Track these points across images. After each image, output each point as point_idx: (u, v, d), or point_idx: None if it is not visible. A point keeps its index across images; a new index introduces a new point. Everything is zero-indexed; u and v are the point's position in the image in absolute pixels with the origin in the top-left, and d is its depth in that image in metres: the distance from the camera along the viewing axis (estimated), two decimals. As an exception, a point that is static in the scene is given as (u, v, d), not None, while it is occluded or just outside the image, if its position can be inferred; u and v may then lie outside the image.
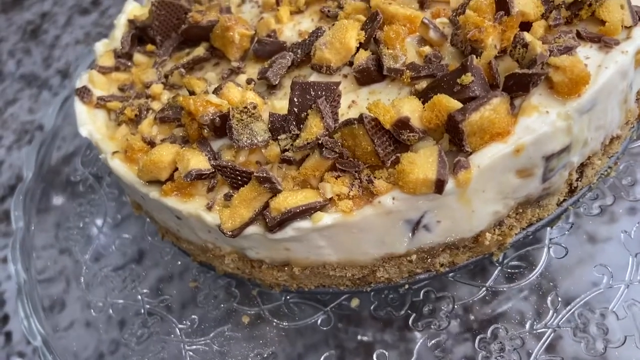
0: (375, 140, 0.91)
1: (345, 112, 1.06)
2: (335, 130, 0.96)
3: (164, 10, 1.34)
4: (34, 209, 1.60)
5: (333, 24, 1.15)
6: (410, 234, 0.95)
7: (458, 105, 0.90)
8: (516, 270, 1.10)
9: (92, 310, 1.30)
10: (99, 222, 1.54)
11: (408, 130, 0.91)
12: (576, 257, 1.10)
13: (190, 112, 1.06)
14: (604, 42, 0.95)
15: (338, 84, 1.00)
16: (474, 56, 0.94)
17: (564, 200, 1.05)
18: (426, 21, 1.07)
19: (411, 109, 0.93)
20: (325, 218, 0.93)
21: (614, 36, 0.96)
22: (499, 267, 1.10)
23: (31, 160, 1.62)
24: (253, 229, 0.98)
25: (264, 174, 0.93)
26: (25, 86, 2.79)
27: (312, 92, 1.00)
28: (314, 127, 0.95)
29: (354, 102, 1.07)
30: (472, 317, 1.08)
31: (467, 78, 0.92)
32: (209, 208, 1.02)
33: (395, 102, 0.94)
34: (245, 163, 1.05)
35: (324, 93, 0.99)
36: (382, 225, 0.93)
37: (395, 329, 1.12)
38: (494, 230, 0.99)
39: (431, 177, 0.86)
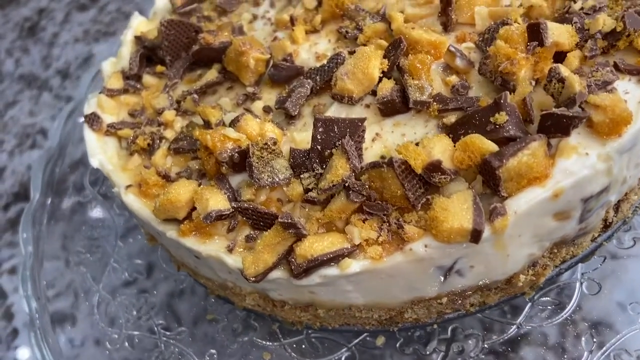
0: (406, 185, 0.87)
1: (370, 145, 1.02)
2: (362, 171, 0.91)
3: (173, 29, 1.28)
4: (43, 230, 1.56)
5: (353, 51, 1.10)
6: (441, 279, 0.92)
7: (493, 147, 0.86)
8: (548, 307, 1.07)
9: (107, 343, 1.26)
10: (109, 242, 1.51)
11: (439, 173, 0.87)
12: (610, 293, 1.06)
13: (208, 147, 1.02)
14: (645, 75, 0.90)
15: (363, 120, 0.96)
16: (508, 93, 0.89)
17: (598, 235, 1.01)
18: (453, 49, 1.02)
19: (442, 149, 0.89)
20: (354, 265, 0.89)
21: (655, 69, 0.91)
22: (530, 304, 1.07)
23: (37, 179, 1.57)
24: (277, 274, 0.94)
25: (289, 220, 0.89)
26: (25, 87, 2.73)
27: (336, 130, 0.95)
28: (340, 169, 0.91)
29: (378, 134, 1.03)
30: (502, 356, 1.05)
31: (501, 117, 0.87)
32: (230, 250, 0.98)
33: (425, 143, 0.89)
34: (267, 201, 1.00)
35: (348, 130, 0.95)
36: (412, 271, 0.90)
37: (422, 367, 1.09)
38: (528, 271, 0.96)
39: (467, 226, 0.82)
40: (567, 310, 1.05)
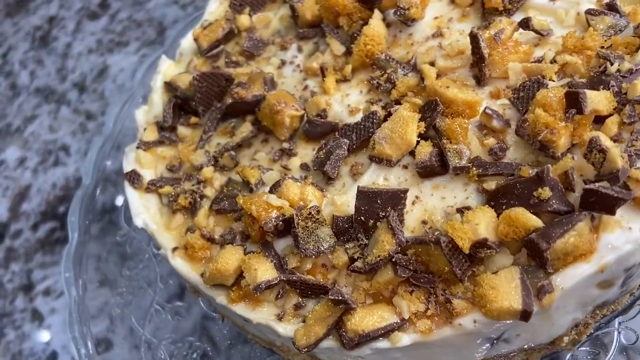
0: (453, 262, 0.90)
1: (410, 209, 1.04)
2: (407, 245, 0.94)
3: (205, 82, 1.30)
4: (82, 270, 1.59)
5: (387, 109, 1.11)
6: (488, 346, 0.95)
7: (537, 223, 0.88)
8: (587, 357, 1.10)
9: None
10: (150, 287, 1.55)
11: (486, 248, 0.89)
12: (649, 343, 1.10)
13: (252, 215, 1.04)
14: (684, 143, 0.92)
15: (406, 191, 0.98)
16: (550, 167, 0.91)
17: (637, 289, 1.04)
18: (489, 111, 1.04)
19: (486, 224, 0.91)
20: (404, 339, 0.92)
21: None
22: (569, 354, 1.10)
23: (74, 221, 1.60)
24: (328, 343, 0.98)
25: (340, 297, 0.92)
26: (42, 101, 2.75)
27: (378, 201, 0.98)
28: (386, 244, 0.93)
29: (418, 197, 1.05)
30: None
31: (544, 193, 0.89)
32: (280, 318, 1.01)
33: (469, 217, 0.92)
34: (312, 268, 1.04)
35: (391, 202, 0.97)
36: (461, 342, 0.93)
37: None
38: (571, 332, 0.99)
39: (517, 307, 0.85)
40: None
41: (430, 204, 1.03)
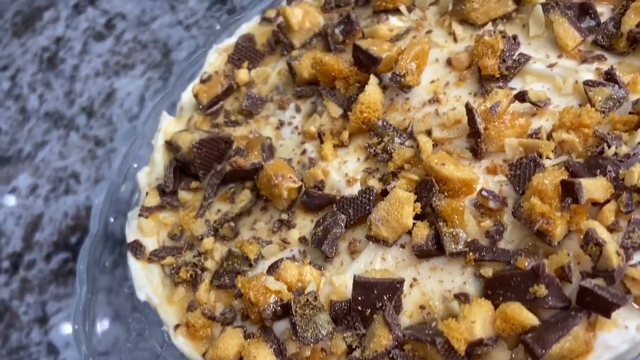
0: (449, 360, 0.90)
1: (408, 292, 1.04)
2: (404, 340, 0.94)
3: (204, 148, 1.31)
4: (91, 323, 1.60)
5: (385, 186, 1.11)
6: None
7: (533, 320, 0.89)
8: None
9: None
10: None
11: (482, 346, 0.90)
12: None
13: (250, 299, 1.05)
14: (681, 235, 0.91)
15: (402, 282, 0.98)
16: (545, 263, 0.90)
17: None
18: (485, 193, 1.03)
19: (482, 319, 0.91)
20: None
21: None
22: None
23: (82, 279, 1.61)
24: None
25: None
26: (52, 126, 2.77)
27: (375, 292, 0.98)
28: (382, 339, 0.94)
29: (416, 280, 1.05)
30: None
31: (540, 290, 0.89)
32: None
33: (466, 312, 0.92)
34: (312, 354, 1.04)
35: (387, 293, 0.97)
36: None
37: None
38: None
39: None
40: None
41: (428, 287, 1.04)
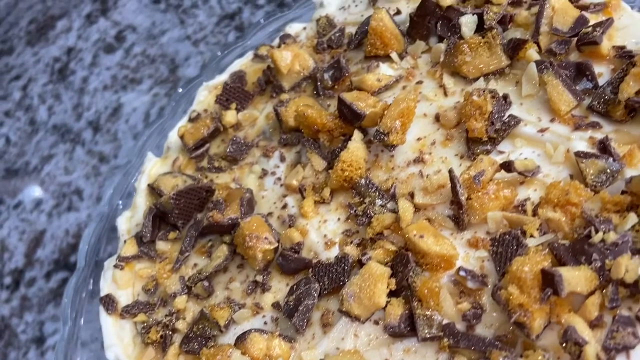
0: None
1: (379, 373, 0.99)
2: None
3: (183, 198, 1.27)
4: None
5: (359, 260, 1.05)
6: None
7: None
8: None
9: None
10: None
11: None
12: None
13: (215, 373, 1.01)
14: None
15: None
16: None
17: None
18: (463, 273, 0.97)
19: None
20: None
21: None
22: None
23: (66, 317, 1.58)
24: None
25: None
26: (59, 140, 2.76)
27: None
28: None
29: (388, 360, 0.99)
30: None
31: (509, 391, 0.83)
32: None
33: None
34: None
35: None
36: None
37: None
38: None
39: None
40: None
41: (401, 374, 0.98)
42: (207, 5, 2.78)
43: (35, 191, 2.62)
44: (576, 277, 0.87)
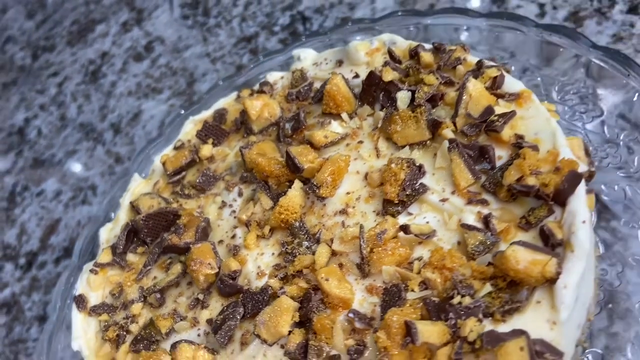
0: None
1: (279, 387, 1.21)
2: None
3: (151, 220, 1.50)
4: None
5: (275, 292, 1.27)
6: None
7: None
8: None
9: None
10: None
11: None
12: None
13: (148, 373, 1.25)
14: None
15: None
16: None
17: None
18: (352, 315, 1.18)
19: None
20: None
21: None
22: None
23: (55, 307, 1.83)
24: None
25: None
26: (83, 137, 3.03)
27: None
28: None
29: (286, 376, 1.21)
30: None
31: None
32: None
33: None
34: None
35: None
36: None
37: None
38: None
39: None
40: None
41: (296, 390, 1.20)
42: (229, 27, 2.99)
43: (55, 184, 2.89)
44: (431, 331, 1.07)
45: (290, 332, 1.22)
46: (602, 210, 1.43)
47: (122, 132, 2.98)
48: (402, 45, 1.58)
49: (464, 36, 1.83)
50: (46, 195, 2.89)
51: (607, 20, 1.97)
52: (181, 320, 1.38)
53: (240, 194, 1.55)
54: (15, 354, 2.41)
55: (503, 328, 1.07)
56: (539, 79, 1.65)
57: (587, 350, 1.27)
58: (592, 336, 1.29)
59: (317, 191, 1.35)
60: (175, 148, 1.75)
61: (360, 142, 1.48)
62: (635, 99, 1.48)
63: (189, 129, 1.79)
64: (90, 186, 2.86)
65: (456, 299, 1.11)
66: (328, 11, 2.80)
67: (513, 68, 1.72)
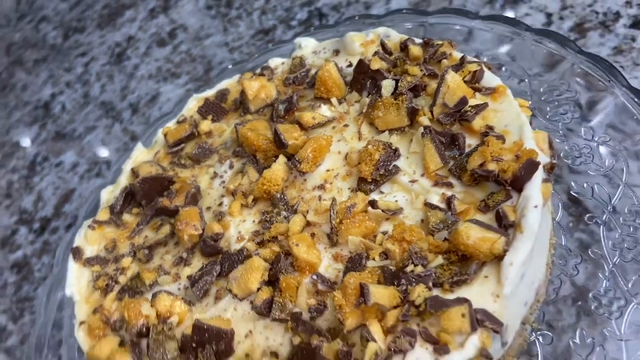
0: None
1: (242, 339, 1.31)
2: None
3: (146, 184, 1.62)
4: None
5: (250, 253, 1.38)
6: None
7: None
8: None
9: None
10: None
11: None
12: None
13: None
14: (436, 349, 1.13)
15: (228, 333, 1.25)
16: (323, 345, 1.15)
17: None
18: (315, 278, 1.28)
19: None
20: None
21: (449, 344, 1.13)
22: None
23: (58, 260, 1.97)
24: None
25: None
26: (103, 115, 3.18)
27: (206, 335, 1.26)
28: (200, 376, 1.22)
29: (251, 332, 1.31)
30: None
31: (313, 363, 1.14)
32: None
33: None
34: (160, 370, 1.33)
35: (215, 338, 1.25)
36: None
37: None
38: None
39: None
40: None
41: (257, 342, 1.30)
42: (249, 19, 3.11)
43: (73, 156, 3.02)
44: (382, 293, 1.17)
45: (259, 289, 1.32)
46: (571, 205, 1.51)
47: (140, 112, 3.11)
48: (395, 38, 1.68)
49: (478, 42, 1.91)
50: (64, 166, 3.03)
51: (609, 33, 2.04)
52: (165, 274, 1.49)
53: (231, 167, 1.65)
54: (21, 311, 2.54)
55: (450, 297, 1.16)
56: (526, 80, 1.74)
57: (538, 333, 1.35)
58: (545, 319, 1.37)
59: (298, 166, 1.45)
60: (178, 122, 1.87)
61: (346, 125, 1.57)
62: (613, 104, 1.56)
63: (192, 105, 1.91)
64: (105, 161, 2.99)
65: (409, 268, 1.20)
66: (345, 9, 2.91)
67: (504, 69, 1.81)
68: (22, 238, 2.82)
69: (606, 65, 1.62)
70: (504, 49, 1.88)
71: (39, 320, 1.87)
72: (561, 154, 1.59)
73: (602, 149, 1.53)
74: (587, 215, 1.48)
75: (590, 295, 1.37)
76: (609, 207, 1.46)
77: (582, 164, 1.54)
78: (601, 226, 1.45)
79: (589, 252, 1.43)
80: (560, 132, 1.61)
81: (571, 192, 1.54)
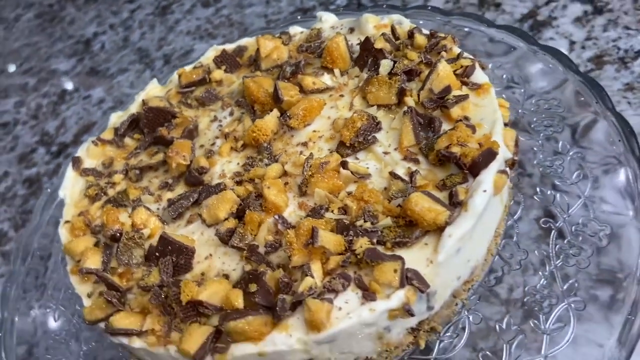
0: (176, 307, 1.30)
1: (201, 260, 1.44)
2: (167, 285, 1.35)
3: (151, 113, 1.76)
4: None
5: (226, 187, 1.51)
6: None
7: (240, 304, 1.26)
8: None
9: None
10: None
11: (202, 307, 1.28)
12: None
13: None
14: (364, 295, 1.24)
15: (189, 249, 1.39)
16: (267, 273, 1.28)
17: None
18: (276, 217, 1.41)
19: (214, 290, 1.30)
20: (135, 343, 1.34)
21: (377, 293, 1.24)
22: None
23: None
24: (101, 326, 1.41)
25: (113, 299, 1.36)
26: (137, 60, 3.34)
27: (169, 247, 1.39)
28: (153, 278, 1.35)
29: (211, 255, 1.44)
30: None
31: (252, 286, 1.26)
32: (89, 296, 1.47)
33: (207, 284, 1.31)
34: (123, 272, 1.47)
35: (176, 252, 1.38)
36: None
37: None
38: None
39: (191, 351, 1.24)
40: None
41: (214, 264, 1.43)
42: (295, -4, 3.22)
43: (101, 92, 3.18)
44: (330, 239, 1.29)
45: (226, 219, 1.45)
46: (534, 208, 1.62)
47: (171, 64, 3.26)
48: (406, 26, 1.79)
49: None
50: (91, 100, 3.20)
51: (626, 69, 2.12)
52: (149, 194, 1.62)
53: (231, 114, 1.79)
54: (23, 222, 2.71)
55: (388, 254, 1.27)
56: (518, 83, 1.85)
57: (469, 311, 1.46)
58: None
59: (288, 121, 1.58)
60: (194, 68, 2.01)
61: (342, 95, 1.69)
62: (595, 124, 1.66)
63: (210, 54, 2.05)
64: (130, 101, 3.14)
65: (359, 223, 1.32)
66: (383, 1, 3.02)
67: (490, 65, 1.91)
68: (39, 157, 2.99)
69: (598, 90, 1.71)
70: (512, 57, 1.97)
71: (33, 223, 2.04)
72: (535, 162, 1.69)
73: (573, 164, 1.63)
74: (543, 219, 1.58)
75: (527, 288, 1.48)
76: (565, 216, 1.56)
77: (552, 173, 1.64)
78: (553, 231, 1.55)
79: (536, 252, 1.53)
80: (539, 141, 1.71)
81: (535, 197, 1.63)
